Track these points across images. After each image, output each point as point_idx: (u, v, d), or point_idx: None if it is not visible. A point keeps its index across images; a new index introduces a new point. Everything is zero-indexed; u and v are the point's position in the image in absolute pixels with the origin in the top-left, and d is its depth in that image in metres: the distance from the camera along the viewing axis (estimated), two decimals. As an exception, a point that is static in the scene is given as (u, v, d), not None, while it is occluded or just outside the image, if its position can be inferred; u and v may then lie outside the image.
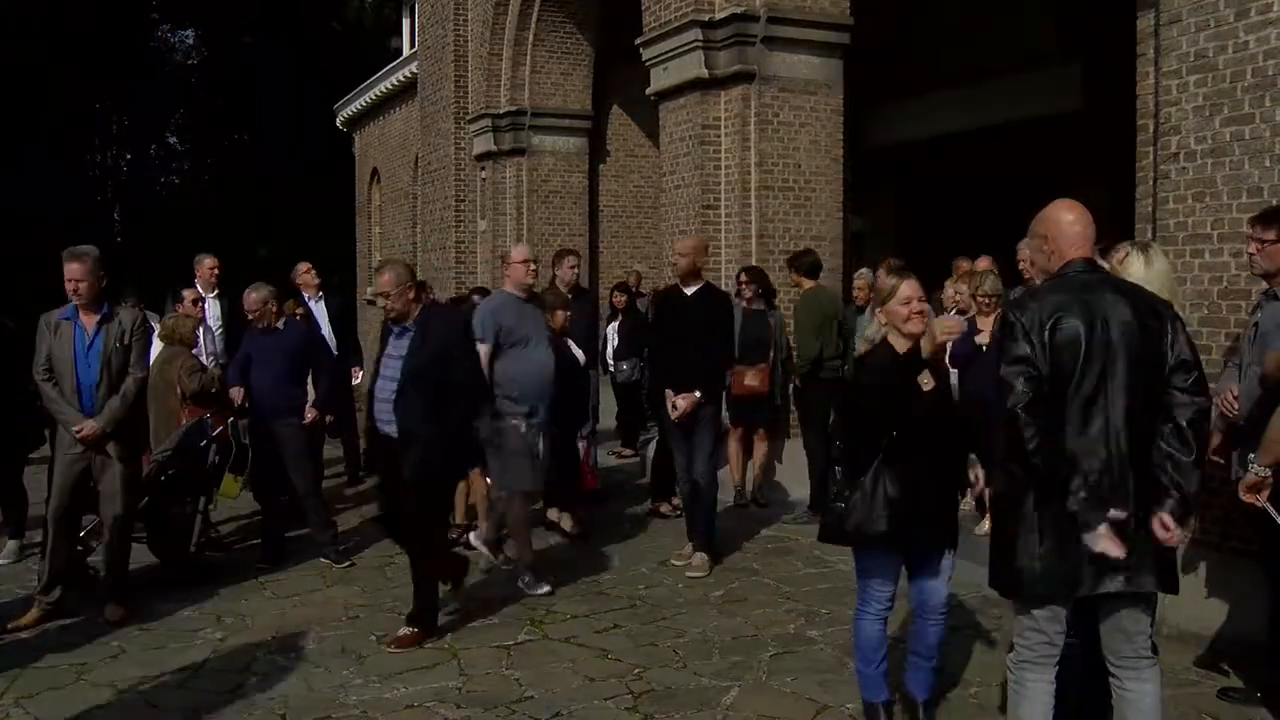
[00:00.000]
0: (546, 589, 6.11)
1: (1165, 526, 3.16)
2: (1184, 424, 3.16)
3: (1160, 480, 3.17)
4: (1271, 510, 3.89)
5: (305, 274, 9.33)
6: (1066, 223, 3.35)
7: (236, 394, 6.91)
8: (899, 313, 3.95)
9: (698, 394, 6.49)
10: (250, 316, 6.97)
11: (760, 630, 5.46)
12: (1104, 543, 3.13)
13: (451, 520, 7.38)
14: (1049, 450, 3.16)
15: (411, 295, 5.32)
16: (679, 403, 6.51)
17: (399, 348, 5.34)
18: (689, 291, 6.71)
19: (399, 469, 5.26)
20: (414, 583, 5.44)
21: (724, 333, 6.88)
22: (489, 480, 6.46)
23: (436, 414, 5.19)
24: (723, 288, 8.77)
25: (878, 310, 4.05)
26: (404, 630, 5.31)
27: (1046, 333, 3.20)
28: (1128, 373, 3.17)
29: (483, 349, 6.00)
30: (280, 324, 7.01)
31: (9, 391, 6.82)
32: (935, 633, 4.08)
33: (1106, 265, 4.20)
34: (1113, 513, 3.13)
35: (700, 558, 6.61)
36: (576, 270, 9.20)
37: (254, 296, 6.92)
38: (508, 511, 6.35)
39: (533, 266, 6.45)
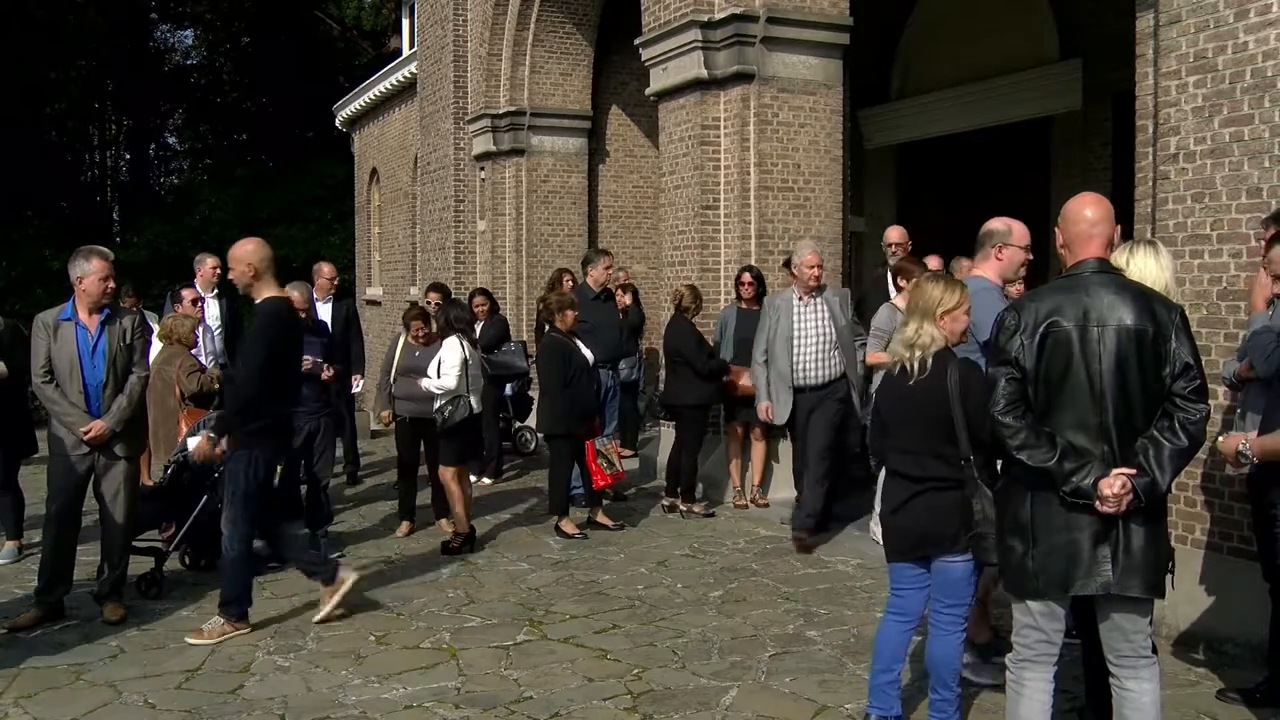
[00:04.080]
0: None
1: (1108, 488, 3.11)
2: (1179, 423, 3.16)
3: (1138, 458, 3.16)
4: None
5: (326, 276, 9.38)
6: (1083, 220, 3.34)
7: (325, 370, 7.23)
8: (963, 321, 3.87)
9: (209, 433, 5.54)
10: (301, 310, 7.06)
11: (759, 630, 5.47)
12: (1111, 500, 3.12)
13: (451, 528, 7.41)
14: (1037, 449, 3.17)
15: None
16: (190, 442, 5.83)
17: None
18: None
19: None
20: None
21: (255, 357, 5.37)
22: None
23: None
24: (722, 288, 8.82)
25: (941, 316, 3.82)
26: None
27: (1038, 335, 3.21)
28: (1120, 378, 3.17)
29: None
30: (312, 321, 7.40)
31: (19, 392, 6.90)
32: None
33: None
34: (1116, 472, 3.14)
35: (215, 622, 5.46)
36: (610, 271, 9.36)
37: (299, 295, 7.17)
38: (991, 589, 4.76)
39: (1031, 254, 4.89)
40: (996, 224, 4.77)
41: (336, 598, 5.69)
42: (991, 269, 4.70)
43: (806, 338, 7.17)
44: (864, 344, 7.07)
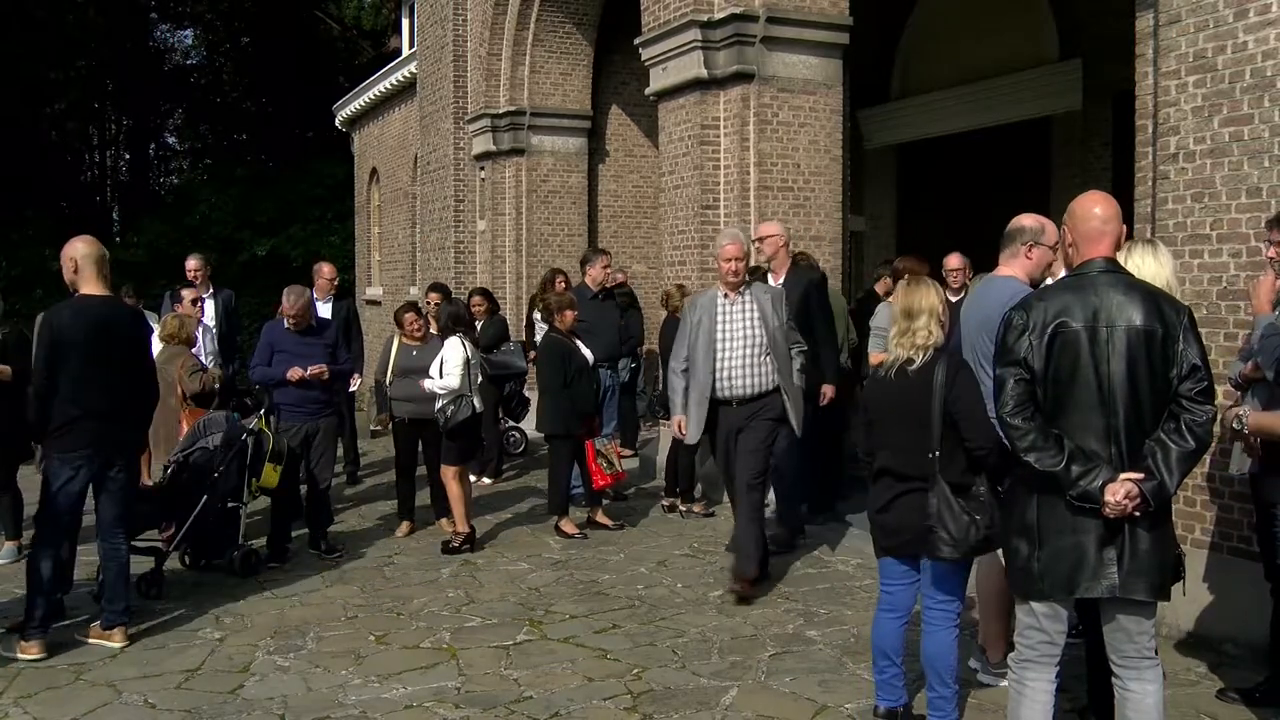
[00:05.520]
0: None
1: (1111, 495, 3.10)
2: (1185, 425, 3.14)
3: (1145, 461, 3.14)
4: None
5: (327, 276, 9.38)
6: (1093, 217, 3.31)
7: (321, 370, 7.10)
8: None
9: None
10: (292, 317, 7.10)
11: (759, 630, 5.47)
12: (1115, 506, 3.11)
13: (451, 528, 7.42)
14: (1045, 451, 3.17)
15: None
16: None
17: None
18: None
19: None
20: None
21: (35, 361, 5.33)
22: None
23: None
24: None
25: (941, 320, 3.95)
26: None
27: (1046, 335, 3.20)
28: (1130, 380, 3.15)
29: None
30: (314, 321, 7.30)
31: (20, 394, 6.90)
32: None
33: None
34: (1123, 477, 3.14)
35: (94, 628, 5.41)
36: (608, 270, 9.34)
37: (302, 301, 7.12)
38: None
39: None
40: (1028, 221, 4.47)
41: (101, 640, 5.35)
42: (1020, 268, 4.40)
43: (732, 342, 6.04)
44: (802, 350, 6.33)
